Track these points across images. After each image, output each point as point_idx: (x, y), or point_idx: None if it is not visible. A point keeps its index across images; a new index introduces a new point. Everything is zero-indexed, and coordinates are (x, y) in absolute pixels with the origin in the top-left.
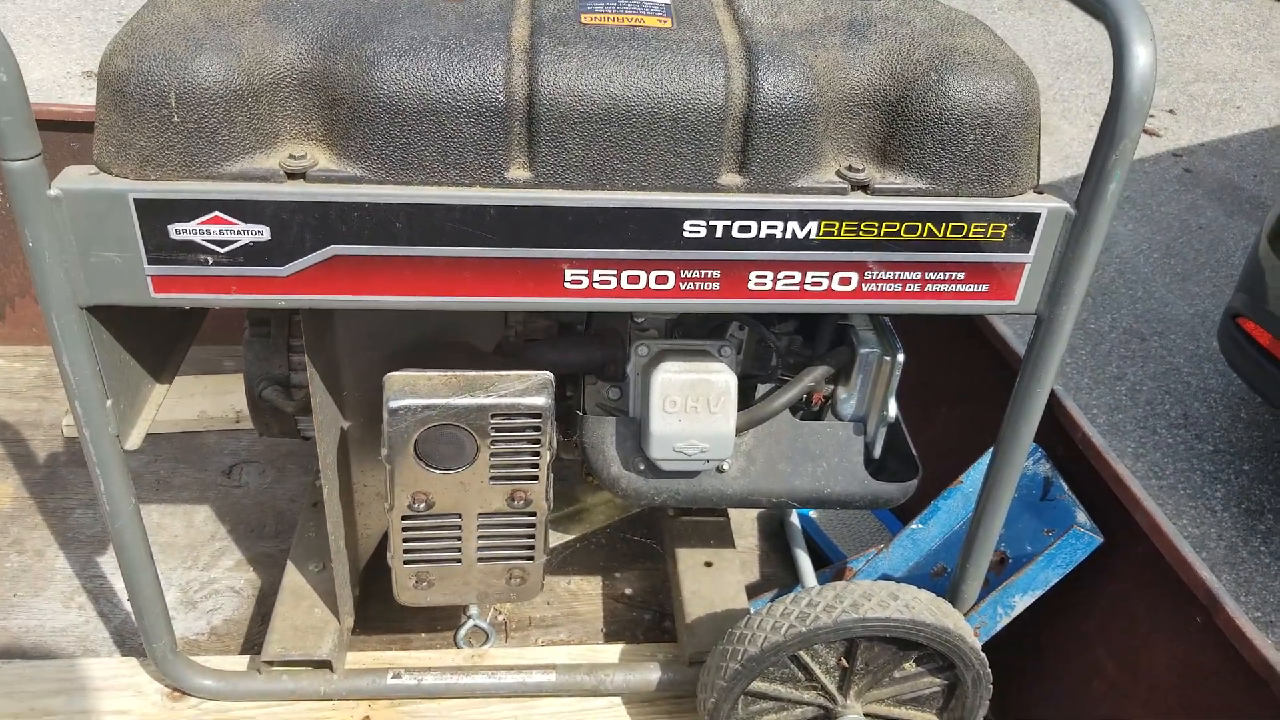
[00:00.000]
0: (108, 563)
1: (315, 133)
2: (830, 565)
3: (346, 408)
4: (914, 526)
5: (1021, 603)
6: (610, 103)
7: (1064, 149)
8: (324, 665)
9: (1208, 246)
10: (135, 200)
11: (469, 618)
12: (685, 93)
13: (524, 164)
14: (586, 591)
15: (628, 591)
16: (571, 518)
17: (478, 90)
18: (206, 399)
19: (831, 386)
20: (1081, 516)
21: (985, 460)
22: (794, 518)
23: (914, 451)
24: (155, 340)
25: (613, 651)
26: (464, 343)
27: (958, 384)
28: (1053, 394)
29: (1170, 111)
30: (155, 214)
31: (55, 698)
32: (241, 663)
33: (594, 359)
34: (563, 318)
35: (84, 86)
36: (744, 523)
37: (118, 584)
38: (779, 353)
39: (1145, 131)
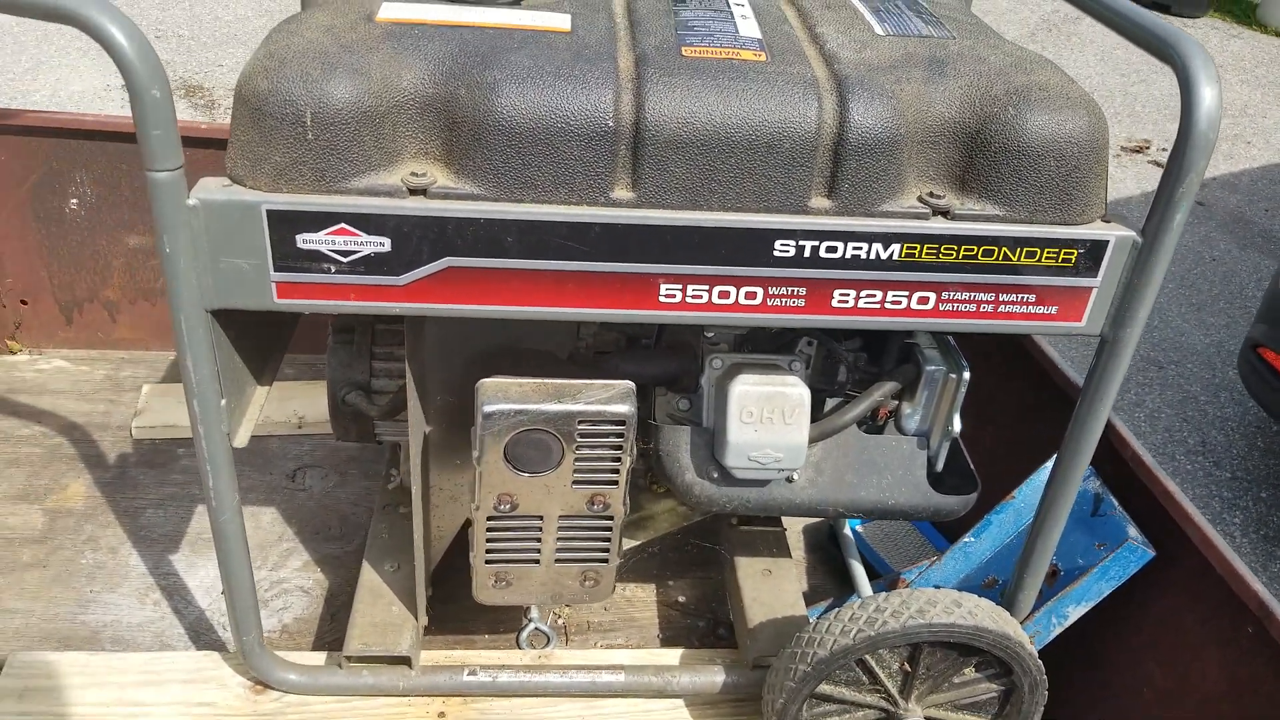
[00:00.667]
0: (180, 560)
1: (435, 152)
2: (881, 577)
3: (429, 413)
4: (967, 540)
5: (1075, 613)
6: (711, 130)
7: None
8: (402, 661)
9: (1221, 278)
10: (268, 211)
11: (530, 620)
12: (781, 122)
13: (628, 185)
14: (641, 598)
15: (681, 599)
16: (637, 524)
17: (589, 116)
18: (270, 405)
19: (896, 402)
20: (1133, 531)
21: (1037, 476)
22: (847, 530)
23: (972, 467)
24: (260, 343)
25: (674, 655)
26: (544, 351)
27: (1006, 404)
28: (1110, 424)
29: (1153, 145)
30: (285, 224)
31: (143, 689)
32: (318, 658)
33: (668, 371)
34: (630, 330)
35: (123, 99)
36: (791, 535)
37: (191, 581)
38: (848, 367)
39: (1157, 164)
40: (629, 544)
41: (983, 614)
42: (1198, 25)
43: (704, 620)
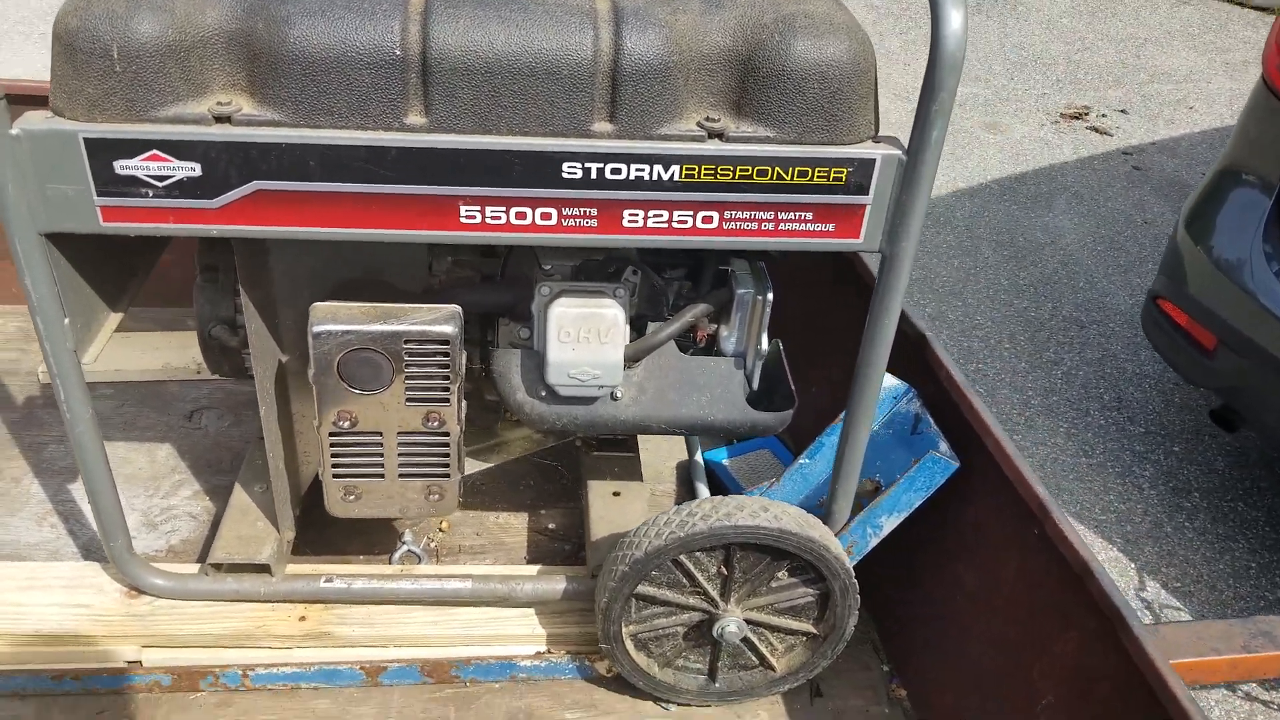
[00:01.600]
0: (77, 489)
1: (240, 83)
2: None
3: (284, 343)
4: (802, 461)
5: (889, 524)
6: (494, 57)
7: (1015, 146)
8: (264, 569)
9: (1152, 240)
10: (85, 139)
11: (403, 543)
12: (559, 49)
13: (420, 111)
14: (513, 525)
15: (551, 526)
16: (493, 449)
17: (377, 46)
18: (170, 352)
19: (715, 326)
20: (943, 445)
21: None
22: (699, 456)
23: (792, 386)
24: (110, 271)
25: (528, 570)
26: (390, 284)
27: (842, 328)
28: (924, 338)
29: (1123, 111)
30: (102, 151)
31: (26, 593)
32: (190, 568)
33: (504, 300)
34: (482, 267)
35: None
36: (664, 470)
37: (86, 508)
38: (665, 293)
39: (1095, 129)
40: (482, 466)
41: (788, 519)
42: None
43: (570, 544)
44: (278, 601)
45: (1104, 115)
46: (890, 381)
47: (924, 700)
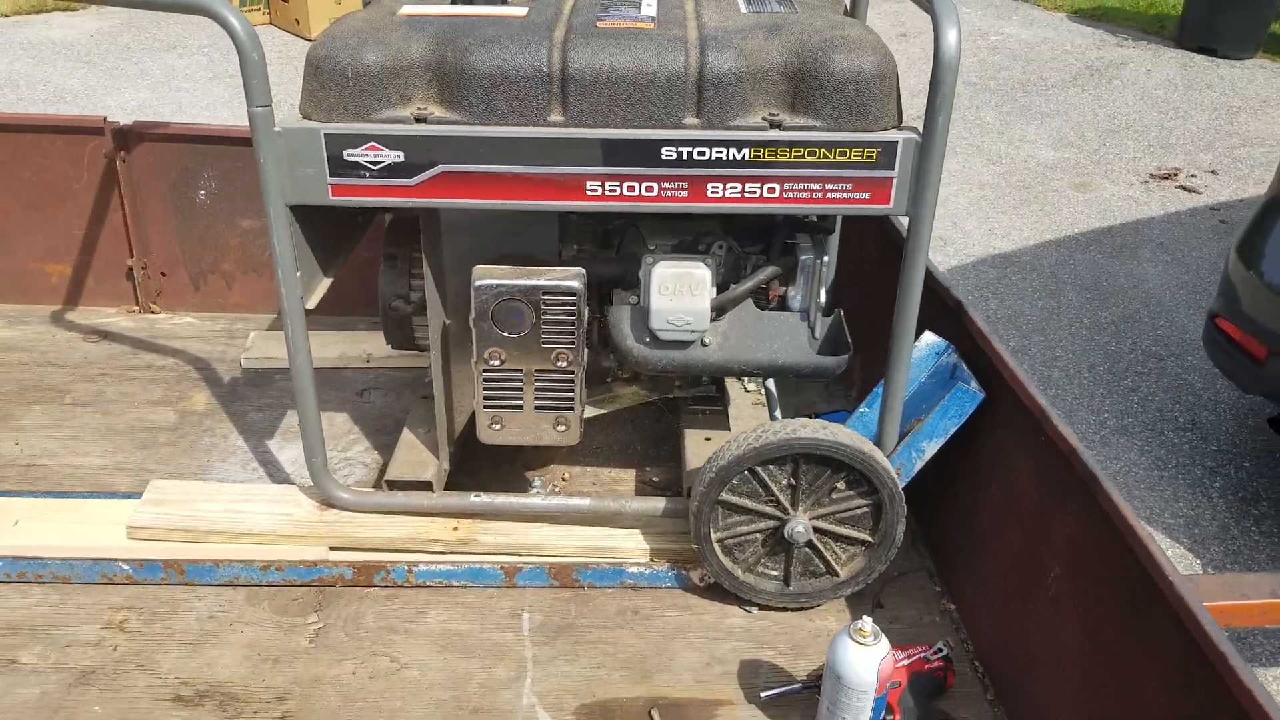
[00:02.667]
0: (274, 444)
1: (434, 95)
2: None
3: (449, 308)
4: (861, 410)
5: (930, 448)
6: (612, 72)
7: (1104, 203)
8: (426, 486)
9: None
10: (325, 135)
11: (534, 489)
12: (659, 66)
13: (560, 111)
14: (623, 478)
15: (655, 479)
16: (607, 400)
17: (531, 66)
18: (345, 345)
19: (784, 289)
20: (972, 382)
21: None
22: (778, 413)
23: (848, 335)
24: (327, 241)
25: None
26: (532, 257)
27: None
28: (960, 304)
29: (1212, 172)
30: (336, 144)
31: (242, 503)
32: (371, 489)
33: (618, 270)
34: (602, 247)
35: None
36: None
37: (281, 457)
38: (744, 262)
39: (1184, 188)
40: (598, 412)
41: (844, 435)
42: (1245, 65)
43: (671, 492)
44: (436, 515)
45: (1194, 176)
46: (932, 339)
47: (968, 607)
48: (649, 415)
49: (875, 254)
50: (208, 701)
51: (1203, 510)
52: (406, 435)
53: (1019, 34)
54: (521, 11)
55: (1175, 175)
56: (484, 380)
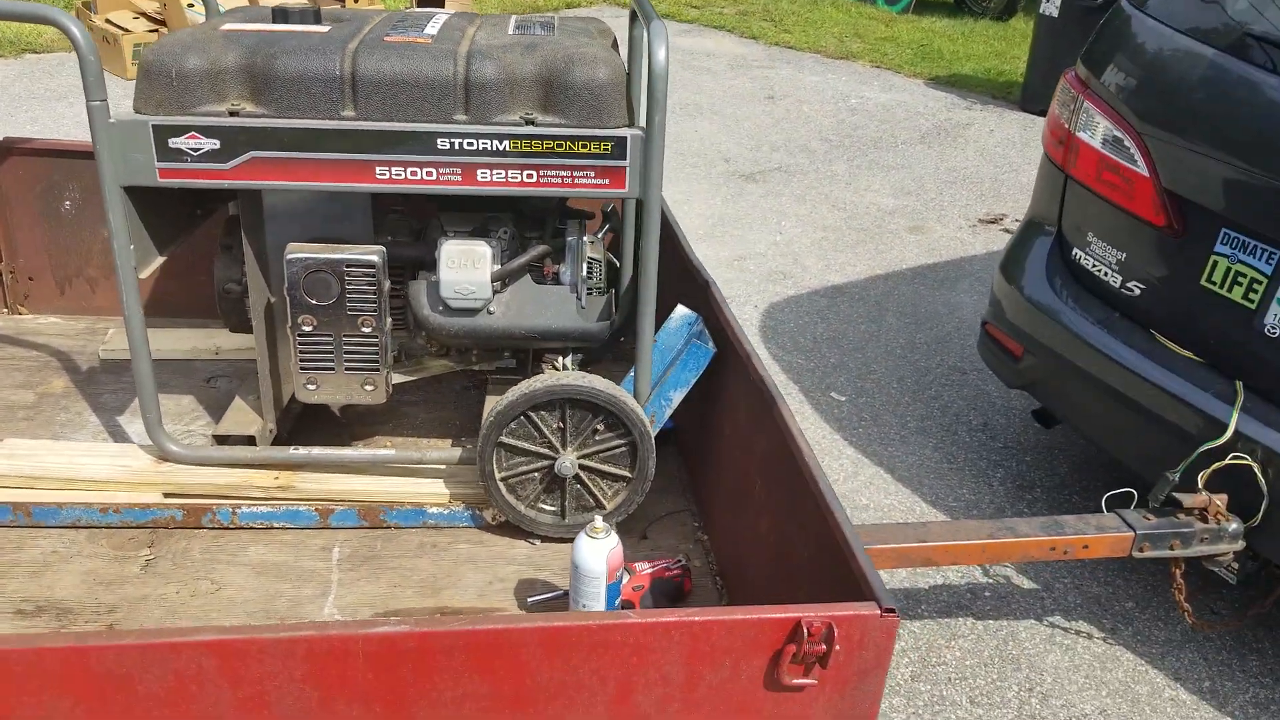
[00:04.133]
0: (124, 420)
1: (245, 93)
2: None
3: (272, 287)
4: (629, 376)
5: (676, 396)
6: (395, 77)
7: (933, 243)
8: (251, 440)
9: None
10: (153, 125)
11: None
12: (434, 73)
13: (351, 108)
14: (437, 445)
15: (468, 445)
16: (417, 369)
17: (326, 70)
18: (197, 340)
19: (556, 267)
20: (709, 342)
21: (669, 324)
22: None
23: (614, 310)
24: (159, 222)
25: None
26: (344, 239)
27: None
28: (709, 284)
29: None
30: (161, 133)
31: (84, 458)
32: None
33: (420, 253)
34: (412, 236)
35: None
36: None
37: (129, 430)
38: (522, 243)
39: (1007, 231)
40: (408, 379)
41: (599, 382)
42: None
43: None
44: (259, 466)
45: (1016, 220)
46: (684, 311)
47: (713, 532)
48: (470, 398)
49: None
50: (45, 615)
51: (983, 495)
52: (237, 400)
53: (877, 97)
54: (325, 29)
55: (1000, 220)
56: (299, 344)
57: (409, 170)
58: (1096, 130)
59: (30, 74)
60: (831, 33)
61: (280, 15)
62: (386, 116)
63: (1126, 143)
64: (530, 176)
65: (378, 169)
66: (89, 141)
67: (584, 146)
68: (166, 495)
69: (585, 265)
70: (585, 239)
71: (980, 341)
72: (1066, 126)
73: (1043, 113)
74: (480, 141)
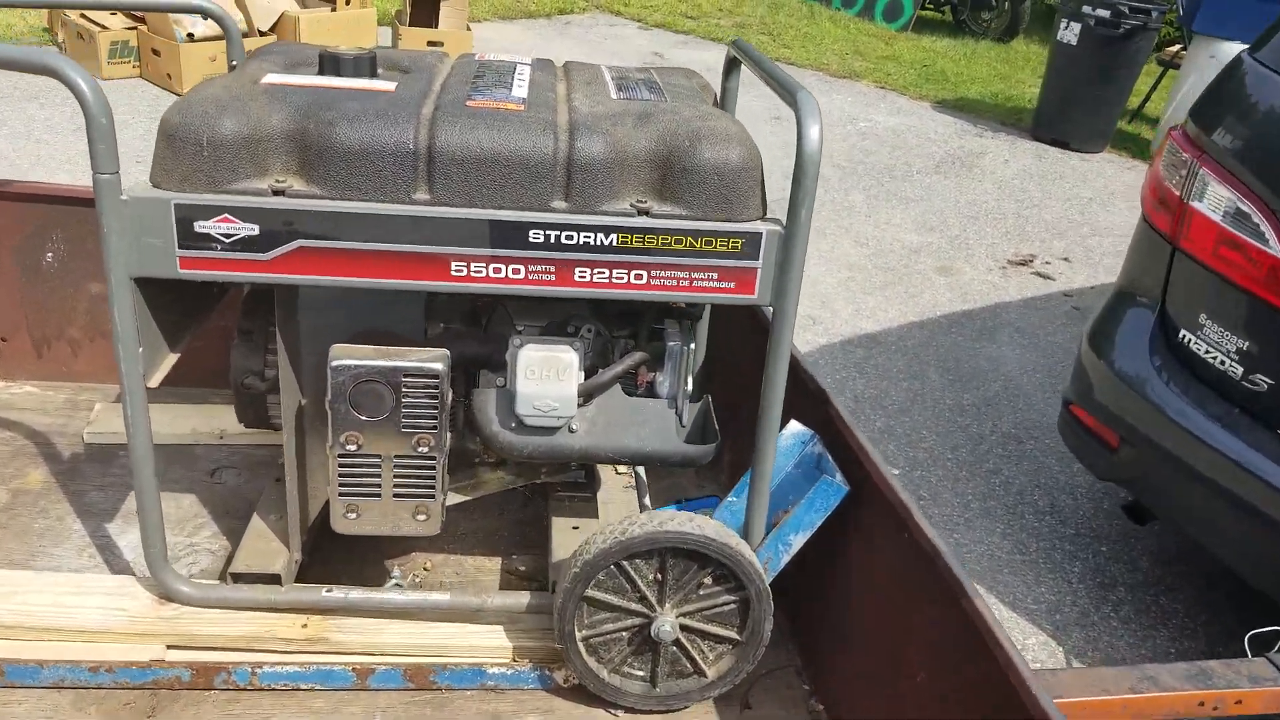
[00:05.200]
0: (114, 528)
1: (293, 167)
2: None
3: (305, 388)
4: (730, 499)
5: (796, 541)
6: (480, 152)
7: (965, 287)
8: (274, 580)
9: None
10: (175, 204)
11: (392, 579)
12: (529, 149)
13: (425, 189)
14: (488, 568)
15: (521, 568)
16: (472, 487)
17: (397, 142)
18: (198, 420)
19: (652, 374)
20: (836, 475)
21: (781, 438)
22: (647, 500)
23: (716, 426)
24: (173, 316)
25: (499, 590)
26: (395, 335)
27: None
28: (824, 393)
29: (1065, 259)
30: (187, 215)
31: (72, 596)
32: (212, 580)
33: (484, 351)
34: (468, 327)
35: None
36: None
37: (121, 542)
38: (612, 347)
39: (1039, 274)
40: (462, 498)
41: (710, 528)
42: (1095, 159)
43: (537, 583)
44: (284, 610)
45: (1048, 263)
46: (797, 428)
47: (835, 704)
48: (516, 500)
49: (741, 340)
50: None
51: (1064, 596)
52: (256, 522)
53: (886, 121)
54: (390, 86)
55: (1030, 261)
56: (340, 466)
57: (492, 267)
58: (1215, 199)
59: None
60: (832, 49)
61: (330, 64)
62: (468, 201)
63: (1254, 217)
64: (639, 278)
65: (453, 264)
66: (74, 186)
67: (708, 244)
68: (171, 648)
69: (688, 374)
70: (689, 345)
71: (1064, 424)
72: (1176, 193)
73: (1055, 142)
74: (582, 235)
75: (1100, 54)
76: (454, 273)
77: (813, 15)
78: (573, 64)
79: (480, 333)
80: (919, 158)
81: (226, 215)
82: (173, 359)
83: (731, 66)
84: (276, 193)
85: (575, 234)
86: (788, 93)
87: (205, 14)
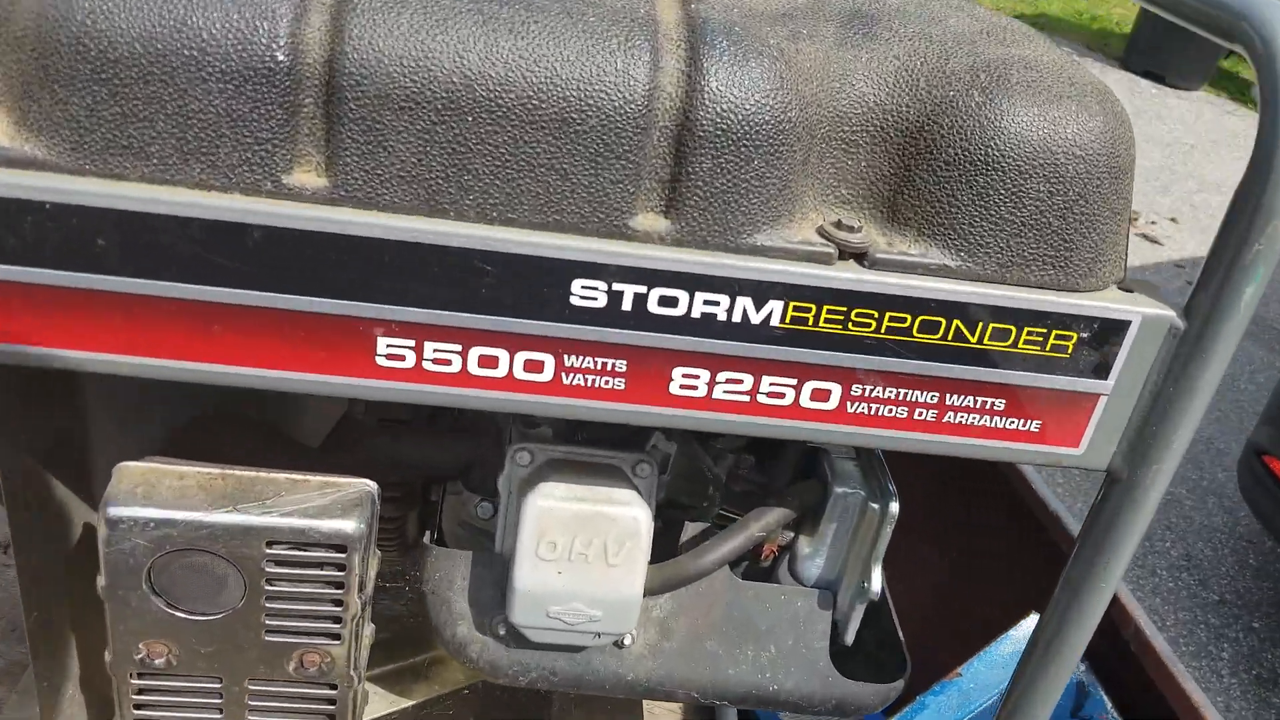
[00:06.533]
0: None
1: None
2: None
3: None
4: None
5: None
6: (462, 82)
7: None
8: None
9: None
10: None
11: None
12: (586, 80)
13: (317, 165)
14: None
15: None
16: (422, 674)
17: (245, 40)
18: None
19: (792, 535)
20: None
21: (995, 648)
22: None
23: (902, 640)
24: None
25: None
26: (273, 425)
27: (961, 542)
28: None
29: (1172, 219)
30: None
31: None
32: None
33: (455, 459)
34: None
35: None
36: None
37: None
38: (713, 475)
39: (1145, 237)
40: (404, 704)
41: None
42: (1192, 98)
43: None
44: None
45: (1153, 223)
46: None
47: None
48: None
49: (959, 488)
50: None
51: (1215, 694)
52: None
53: None
54: None
55: (1135, 220)
56: (136, 695)
57: (474, 356)
58: None
59: None
60: None
61: None
62: (426, 202)
63: None
64: (822, 399)
65: (382, 343)
66: None
67: (1000, 335)
68: None
69: (874, 551)
70: (887, 499)
71: (1248, 474)
72: None
73: (1148, 74)
74: (701, 297)
75: None
76: (382, 359)
77: None
78: None
79: (445, 420)
80: None
81: None
82: None
83: None
84: None
85: (685, 295)
86: (1225, 20)
87: None
